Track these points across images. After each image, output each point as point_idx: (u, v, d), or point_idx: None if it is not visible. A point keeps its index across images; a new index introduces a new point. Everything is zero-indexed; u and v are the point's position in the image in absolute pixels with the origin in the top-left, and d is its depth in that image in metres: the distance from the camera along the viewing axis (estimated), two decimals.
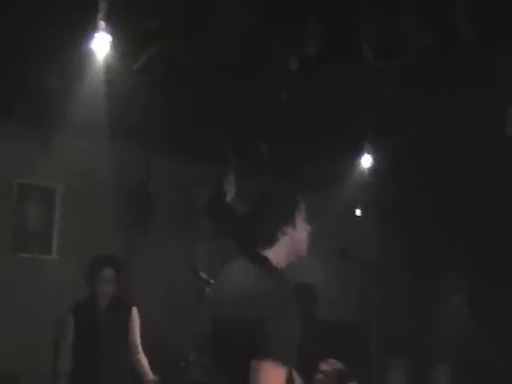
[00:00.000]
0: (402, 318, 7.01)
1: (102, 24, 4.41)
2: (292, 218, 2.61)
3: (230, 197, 6.54)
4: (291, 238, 2.59)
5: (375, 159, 6.70)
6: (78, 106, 5.24)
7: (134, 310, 4.69)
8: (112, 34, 4.48)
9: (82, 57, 4.70)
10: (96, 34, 4.50)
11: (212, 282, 4.66)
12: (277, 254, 2.56)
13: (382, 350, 3.98)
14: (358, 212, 7.76)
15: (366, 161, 6.84)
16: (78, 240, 6.05)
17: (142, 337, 4.68)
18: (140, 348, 4.67)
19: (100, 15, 4.35)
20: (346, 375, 4.19)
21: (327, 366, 3.95)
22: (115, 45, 4.57)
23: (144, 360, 4.65)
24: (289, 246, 2.59)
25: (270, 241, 2.56)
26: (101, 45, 4.58)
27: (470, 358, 6.02)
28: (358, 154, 6.81)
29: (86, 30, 4.47)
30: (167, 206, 6.85)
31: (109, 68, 4.79)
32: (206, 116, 5.88)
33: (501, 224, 6.38)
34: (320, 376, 3.81)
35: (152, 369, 4.62)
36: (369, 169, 6.82)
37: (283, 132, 6.15)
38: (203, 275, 4.64)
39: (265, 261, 2.54)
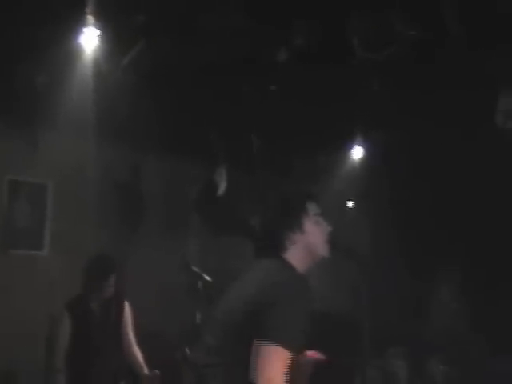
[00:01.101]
0: (395, 312, 7.03)
1: (90, 19, 4.40)
2: (299, 224, 2.58)
3: (221, 191, 6.53)
4: (303, 243, 2.57)
5: (367, 151, 6.72)
6: (67, 102, 5.22)
7: (127, 305, 4.71)
8: (101, 28, 4.46)
9: (70, 52, 4.68)
10: (84, 29, 4.49)
11: (205, 276, 4.67)
12: (292, 260, 2.54)
13: (373, 342, 4.01)
14: (349, 205, 7.77)
15: (358, 153, 6.86)
16: (69, 237, 6.03)
17: (134, 331, 4.71)
18: (134, 341, 4.69)
19: (88, 10, 4.33)
20: (323, 365, 4.20)
21: (310, 357, 3.96)
22: (104, 40, 4.55)
23: (138, 353, 4.67)
24: (302, 251, 2.56)
25: (280, 249, 2.56)
26: (89, 40, 4.57)
27: (463, 352, 6.05)
28: (349, 146, 6.82)
29: (75, 25, 4.45)
30: (158, 202, 6.84)
31: (97, 63, 4.78)
32: (196, 112, 5.87)
33: (495, 218, 6.40)
34: (298, 362, 3.82)
35: (146, 363, 4.63)
36: (360, 161, 6.83)
37: (274, 126, 6.15)
38: (195, 269, 4.64)
39: (281, 258, 2.55)
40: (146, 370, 4.58)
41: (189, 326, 4.43)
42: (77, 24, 4.43)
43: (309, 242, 2.58)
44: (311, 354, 4.46)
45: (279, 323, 2.28)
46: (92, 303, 4.55)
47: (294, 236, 2.57)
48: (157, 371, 4.51)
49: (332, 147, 6.62)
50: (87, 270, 4.56)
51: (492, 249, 6.46)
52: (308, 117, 6.02)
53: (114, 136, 6.16)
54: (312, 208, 2.64)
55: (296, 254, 2.56)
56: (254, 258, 2.65)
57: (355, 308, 3.82)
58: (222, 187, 6.55)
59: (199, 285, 4.56)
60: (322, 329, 5.90)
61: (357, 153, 6.90)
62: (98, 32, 4.47)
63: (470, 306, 6.79)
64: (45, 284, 5.80)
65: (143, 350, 4.70)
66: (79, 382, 4.38)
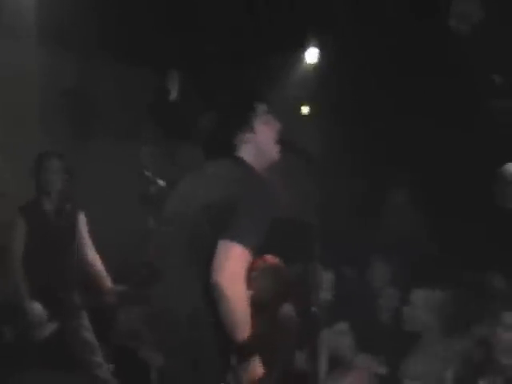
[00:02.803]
0: (345, 215, 7.15)
1: None
2: (248, 122, 2.56)
3: (173, 96, 6.40)
4: (253, 143, 2.55)
5: (320, 54, 6.62)
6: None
7: (82, 215, 4.65)
8: None
9: None
10: None
11: (158, 180, 4.65)
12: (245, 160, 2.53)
13: (324, 246, 4.07)
14: (303, 109, 7.73)
15: (311, 56, 6.75)
16: (16, 145, 5.87)
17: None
18: (91, 250, 4.64)
19: None
20: (282, 270, 4.29)
21: (262, 261, 4.01)
22: None
23: (98, 262, 4.63)
24: (253, 151, 2.55)
25: (230, 149, 2.54)
26: None
27: (413, 253, 6.21)
28: (302, 48, 6.72)
29: None
30: (108, 108, 6.70)
31: None
32: (149, 18, 5.68)
33: (446, 121, 6.44)
34: (254, 273, 3.85)
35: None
36: (314, 64, 6.74)
37: (226, 29, 6.00)
38: (149, 174, 4.61)
39: (241, 160, 2.54)
40: (109, 282, 4.54)
41: (142, 231, 4.44)
42: None
43: (259, 141, 2.56)
44: (269, 258, 4.55)
45: (239, 222, 2.27)
46: (45, 204, 4.48)
47: (243, 135, 2.55)
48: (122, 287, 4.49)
49: (285, 50, 6.51)
50: (35, 161, 4.47)
51: (445, 152, 6.55)
52: (260, 20, 5.90)
53: (62, 41, 5.92)
54: (261, 107, 2.61)
55: (248, 154, 2.55)
56: (204, 160, 2.60)
57: (306, 211, 3.87)
58: (175, 91, 6.42)
59: (152, 190, 4.54)
60: (275, 232, 6.00)
61: (310, 55, 6.79)
62: None
63: (424, 211, 6.94)
64: None
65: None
66: (35, 286, 4.37)
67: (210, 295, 2.24)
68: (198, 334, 2.31)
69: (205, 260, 2.27)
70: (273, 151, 2.61)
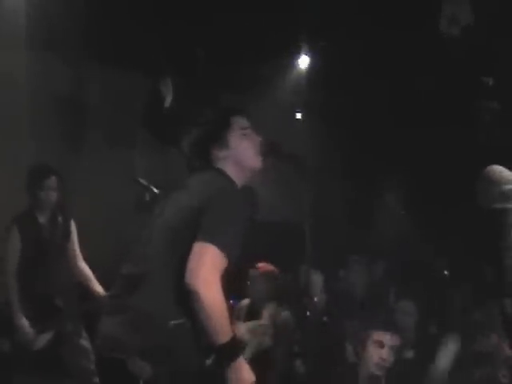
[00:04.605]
0: (338, 218, 7.18)
1: None
2: (222, 139, 2.57)
3: (167, 102, 6.41)
4: (231, 159, 2.56)
5: (312, 61, 6.65)
6: None
7: (72, 223, 4.68)
8: None
9: None
10: None
11: (152, 188, 4.66)
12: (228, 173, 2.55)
13: (317, 249, 4.09)
14: (297, 116, 7.75)
15: (303, 62, 6.78)
16: (9, 151, 5.86)
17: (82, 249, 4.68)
18: (81, 258, 4.68)
19: None
20: (275, 276, 4.34)
21: (256, 270, 4.09)
22: None
23: (88, 270, 4.67)
24: (232, 166, 2.56)
25: (208, 164, 2.56)
26: None
27: (405, 256, 6.23)
28: (294, 55, 6.75)
29: None
30: (102, 115, 6.69)
31: None
32: (140, 23, 5.69)
33: (436, 125, 6.47)
34: (252, 273, 3.92)
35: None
36: (306, 70, 6.76)
37: (219, 36, 6.02)
38: (143, 182, 4.62)
39: (216, 169, 2.56)
40: (101, 290, 4.56)
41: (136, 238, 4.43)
42: None
43: (237, 157, 2.57)
44: (262, 265, 4.60)
45: (213, 224, 2.28)
46: (39, 217, 4.50)
47: (219, 152, 2.57)
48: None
49: (276, 56, 6.53)
50: (27, 175, 4.49)
51: (436, 157, 6.58)
52: (253, 26, 5.92)
53: (52, 47, 5.92)
54: (239, 122, 2.62)
55: (228, 170, 2.56)
56: (188, 173, 2.63)
57: (299, 216, 3.89)
58: (169, 98, 6.43)
59: (146, 197, 4.54)
60: (268, 238, 6.01)
61: (302, 62, 6.82)
62: None
63: (417, 214, 6.96)
64: None
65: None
66: (28, 295, 4.38)
67: (187, 300, 2.24)
68: (180, 340, 2.29)
69: (179, 265, 2.27)
70: (253, 163, 2.61)
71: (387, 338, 3.50)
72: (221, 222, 2.29)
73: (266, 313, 4.37)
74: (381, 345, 3.48)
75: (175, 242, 2.36)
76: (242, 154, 2.58)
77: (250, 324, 4.26)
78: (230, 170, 2.56)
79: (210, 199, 2.33)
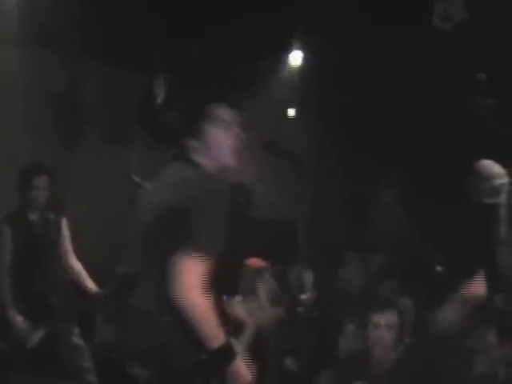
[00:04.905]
0: (334, 216, 7.17)
1: None
2: (199, 132, 2.44)
3: (159, 100, 6.40)
4: (203, 151, 2.43)
5: (305, 56, 6.64)
6: None
7: (64, 220, 4.67)
8: None
9: None
10: None
11: (146, 185, 4.65)
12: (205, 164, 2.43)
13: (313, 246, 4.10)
14: (290, 112, 7.73)
15: (296, 58, 6.77)
16: (2, 149, 5.85)
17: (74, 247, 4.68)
18: (73, 255, 4.66)
19: None
20: (267, 271, 4.34)
21: (251, 263, 4.09)
22: None
23: (80, 267, 4.66)
24: (205, 158, 2.44)
25: (186, 154, 2.44)
26: None
27: (402, 252, 6.23)
28: (289, 52, 6.74)
29: None
30: (97, 112, 6.69)
31: None
32: (134, 19, 5.69)
33: (431, 121, 6.47)
34: (245, 271, 3.93)
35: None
36: (298, 66, 6.75)
37: (214, 33, 6.02)
38: (136, 179, 4.61)
39: (197, 164, 2.43)
40: (93, 286, 4.53)
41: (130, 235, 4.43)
42: None
43: (210, 151, 2.44)
44: (254, 261, 4.59)
45: (192, 226, 2.19)
46: (31, 215, 4.49)
47: (192, 142, 2.44)
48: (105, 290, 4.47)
49: (271, 54, 6.53)
50: (18, 174, 4.46)
51: (434, 154, 6.58)
52: (248, 23, 5.92)
53: (46, 44, 5.92)
54: (218, 113, 2.48)
55: (204, 160, 2.43)
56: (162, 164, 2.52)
57: (294, 214, 3.89)
58: (161, 96, 6.42)
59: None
60: (263, 235, 6.02)
61: (297, 59, 6.82)
62: None
63: (413, 211, 6.96)
64: None
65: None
66: (21, 293, 4.38)
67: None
68: (178, 337, 2.26)
69: (162, 271, 2.20)
70: (226, 160, 2.48)
71: (384, 319, 3.56)
72: (200, 223, 2.19)
73: (262, 290, 4.37)
74: (379, 325, 3.54)
75: (158, 243, 2.29)
76: (215, 149, 2.44)
77: (247, 303, 4.26)
78: (203, 163, 2.42)
79: (186, 198, 2.23)
